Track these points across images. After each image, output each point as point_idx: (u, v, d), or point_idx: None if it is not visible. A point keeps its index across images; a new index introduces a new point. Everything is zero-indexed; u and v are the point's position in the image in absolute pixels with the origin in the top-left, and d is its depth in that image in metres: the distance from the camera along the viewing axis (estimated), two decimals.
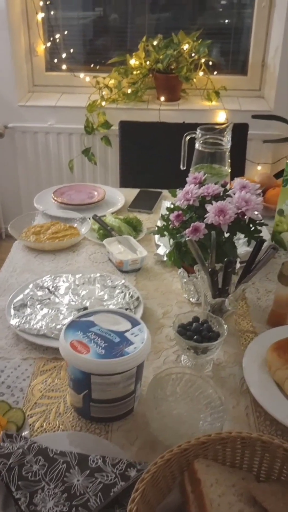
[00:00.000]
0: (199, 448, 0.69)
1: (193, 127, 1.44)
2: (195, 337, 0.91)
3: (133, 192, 1.67)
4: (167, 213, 1.08)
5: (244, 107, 2.56)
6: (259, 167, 2.59)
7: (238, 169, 2.05)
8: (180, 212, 1.04)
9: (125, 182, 2.08)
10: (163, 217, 1.08)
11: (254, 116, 2.31)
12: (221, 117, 2.55)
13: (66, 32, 2.74)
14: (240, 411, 0.86)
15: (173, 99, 2.61)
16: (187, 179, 1.12)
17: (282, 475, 0.70)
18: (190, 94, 2.68)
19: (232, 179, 1.62)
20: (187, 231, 0.99)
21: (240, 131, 2.05)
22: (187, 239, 0.96)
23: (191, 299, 1.14)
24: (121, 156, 2.09)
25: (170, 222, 1.06)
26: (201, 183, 1.10)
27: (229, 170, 1.45)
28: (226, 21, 2.68)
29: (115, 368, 0.76)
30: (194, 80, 2.58)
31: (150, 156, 2.07)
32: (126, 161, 2.09)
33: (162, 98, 2.59)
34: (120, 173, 2.10)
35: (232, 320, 1.08)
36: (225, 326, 0.92)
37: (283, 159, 2.50)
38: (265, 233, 1.35)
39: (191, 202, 1.04)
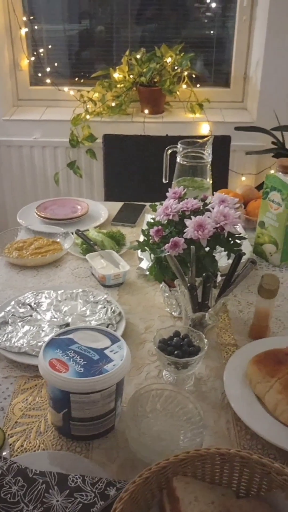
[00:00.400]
0: (178, 466, 0.69)
1: (176, 139, 1.46)
2: (175, 352, 0.91)
3: (117, 206, 1.68)
4: (148, 228, 1.08)
5: (227, 119, 2.59)
6: (243, 178, 2.62)
7: (221, 181, 2.08)
8: (160, 227, 1.04)
9: (109, 195, 2.08)
10: (143, 232, 1.09)
11: (236, 128, 2.34)
12: (204, 129, 2.57)
13: (50, 46, 2.76)
14: (221, 425, 0.86)
15: (157, 111, 2.63)
16: (167, 194, 1.13)
17: (261, 490, 0.71)
18: (174, 106, 2.70)
19: (215, 190, 1.64)
20: (166, 246, 0.99)
21: (222, 143, 2.07)
22: (166, 254, 0.96)
23: (173, 313, 1.14)
24: (105, 169, 2.10)
25: (150, 237, 1.06)
26: (181, 198, 1.11)
27: (211, 183, 1.46)
28: (212, 32, 2.71)
29: (94, 387, 0.76)
30: (178, 92, 2.61)
31: (135, 169, 2.08)
32: (110, 174, 2.10)
33: (146, 111, 2.61)
34: (104, 186, 2.11)
35: (214, 333, 1.09)
36: (206, 341, 0.93)
37: (267, 170, 2.53)
38: (247, 245, 1.37)
39: (170, 217, 1.05)
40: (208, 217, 1.02)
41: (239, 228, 1.42)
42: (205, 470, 0.71)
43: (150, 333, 1.08)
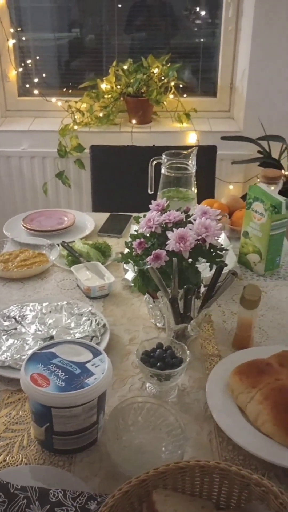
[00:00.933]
0: (158, 479, 0.70)
1: (163, 149, 1.47)
2: (158, 364, 0.92)
3: (104, 216, 1.69)
4: (131, 240, 1.09)
5: (214, 128, 2.61)
6: (231, 187, 2.64)
7: (208, 190, 2.10)
8: (142, 239, 1.05)
9: (97, 206, 2.10)
10: (126, 244, 1.10)
11: (223, 138, 2.36)
12: (192, 138, 2.59)
13: (38, 57, 2.78)
14: (204, 437, 0.87)
15: (144, 121, 2.65)
16: (150, 206, 1.14)
17: (241, 502, 0.71)
18: (161, 116, 2.72)
19: (202, 200, 1.65)
20: (148, 258, 1.00)
21: (208, 153, 2.09)
22: (148, 267, 0.97)
23: (157, 324, 1.15)
24: (93, 180, 2.11)
25: (133, 250, 1.07)
26: (164, 210, 1.12)
27: (196, 193, 1.48)
28: (202, 40, 2.75)
29: (75, 401, 0.76)
30: (165, 103, 2.63)
31: (122, 180, 2.10)
32: (98, 184, 2.11)
33: (134, 121, 2.63)
34: (92, 197, 2.12)
35: (198, 344, 1.10)
36: (188, 352, 0.93)
37: (254, 179, 2.55)
38: (231, 255, 1.38)
39: (153, 229, 1.06)
40: (190, 229, 1.03)
41: (224, 238, 1.44)
42: (185, 482, 0.72)
43: (135, 345, 1.09)
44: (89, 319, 1.12)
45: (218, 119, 2.75)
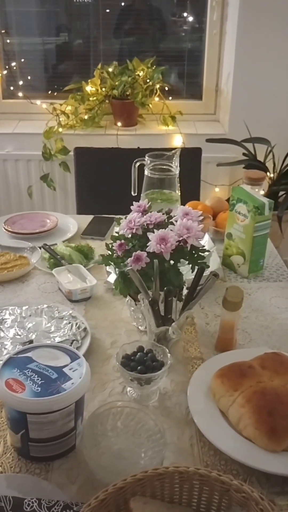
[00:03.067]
0: (136, 486, 0.68)
1: (147, 152, 1.45)
2: (138, 367, 0.90)
3: (87, 219, 1.67)
4: (112, 242, 1.07)
5: (200, 131, 2.61)
6: (217, 189, 2.63)
7: (193, 193, 2.09)
8: (123, 241, 1.03)
9: (81, 208, 2.07)
10: (107, 246, 1.08)
11: (208, 140, 2.36)
12: (177, 141, 2.59)
13: (23, 60, 2.76)
14: (185, 441, 0.85)
15: (130, 124, 2.64)
16: (132, 207, 1.13)
17: (221, 508, 0.70)
18: (147, 119, 2.72)
19: (186, 202, 1.64)
20: (129, 260, 0.99)
21: (193, 155, 2.08)
22: (127, 269, 0.96)
23: (139, 327, 1.13)
24: (77, 182, 2.09)
25: (114, 251, 1.05)
26: (145, 211, 1.11)
27: (179, 195, 1.46)
28: (190, 44, 2.75)
29: (51, 406, 0.74)
30: (150, 105, 2.62)
31: (106, 182, 2.08)
32: (82, 187, 2.09)
33: (119, 124, 2.62)
34: (76, 199, 2.10)
35: (180, 346, 1.08)
36: (169, 356, 0.92)
37: (240, 181, 2.54)
38: (215, 257, 1.37)
39: (134, 231, 1.04)
40: (171, 230, 1.01)
41: (208, 240, 1.42)
42: (164, 489, 0.70)
43: (116, 348, 1.06)
44: (69, 323, 1.10)
45: (204, 121, 2.75)
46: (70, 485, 0.77)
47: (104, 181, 2.08)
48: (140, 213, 1.09)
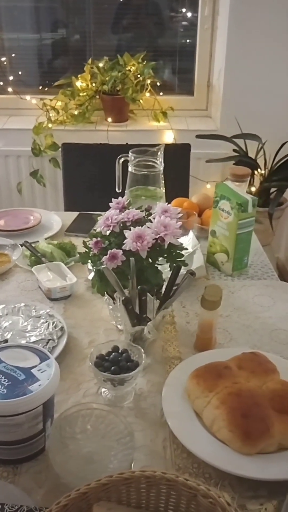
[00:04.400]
0: (101, 491, 0.66)
1: (136, 148, 1.43)
2: (112, 368, 0.88)
3: (73, 216, 1.65)
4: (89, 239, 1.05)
5: (191, 127, 2.58)
6: (208, 186, 2.61)
7: (182, 189, 2.06)
8: (99, 239, 1.01)
9: (69, 205, 2.05)
10: (84, 244, 1.06)
11: (198, 136, 2.34)
12: (168, 137, 2.56)
13: (13, 55, 2.73)
14: (158, 444, 0.83)
15: (120, 120, 2.61)
16: (111, 204, 1.11)
17: None
18: (138, 115, 2.69)
19: (172, 198, 1.62)
20: (104, 258, 0.96)
21: (183, 151, 2.06)
22: (102, 267, 0.94)
23: (119, 326, 1.11)
24: (64, 178, 2.07)
25: (91, 249, 1.03)
26: (124, 208, 1.09)
27: (164, 191, 1.44)
28: (187, 40, 2.72)
29: (16, 409, 0.72)
30: (141, 101, 2.60)
31: (95, 178, 2.05)
32: (70, 183, 2.07)
33: (110, 119, 2.59)
34: (64, 196, 2.08)
35: (159, 346, 1.06)
36: (144, 356, 0.90)
37: None
38: (199, 255, 1.35)
39: (111, 228, 1.02)
40: (149, 227, 0.99)
41: (192, 237, 1.40)
42: (130, 494, 0.68)
43: (94, 348, 1.05)
44: (46, 322, 1.08)
45: (196, 117, 2.72)
46: (37, 489, 0.75)
47: (92, 177, 2.05)
48: (118, 210, 1.07)
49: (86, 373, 0.98)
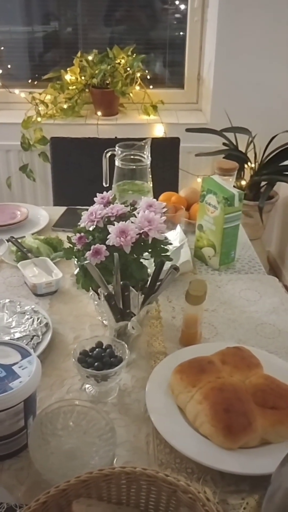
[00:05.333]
0: (80, 487, 0.66)
1: (125, 141, 1.42)
2: (96, 364, 0.88)
3: (60, 211, 1.64)
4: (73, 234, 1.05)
5: (181, 120, 2.57)
6: (199, 180, 2.60)
7: (171, 183, 2.06)
8: (83, 234, 1.01)
9: (58, 199, 2.04)
10: (68, 239, 1.05)
11: (188, 130, 2.33)
12: (159, 130, 2.55)
13: (2, 48, 2.71)
14: (141, 439, 0.83)
15: (110, 113, 2.60)
16: (95, 199, 1.10)
17: (169, 509, 0.68)
18: (128, 108, 2.67)
19: (162, 193, 1.61)
20: (87, 254, 0.96)
21: (172, 145, 2.05)
22: (85, 263, 0.93)
23: (104, 321, 1.11)
24: (53, 173, 2.06)
25: (75, 244, 1.03)
26: (109, 203, 1.08)
27: (151, 186, 1.44)
28: (174, 33, 2.70)
29: None
30: (131, 94, 2.58)
31: (84, 173, 2.04)
32: (59, 178, 2.06)
33: (99, 113, 2.58)
34: (53, 190, 2.06)
35: (144, 341, 1.06)
36: (127, 351, 0.90)
37: None
38: (186, 250, 1.34)
39: (95, 223, 1.01)
40: (133, 222, 0.99)
41: (180, 232, 1.40)
42: (111, 490, 0.68)
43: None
44: (31, 318, 1.07)
45: (186, 111, 2.71)
46: (19, 486, 0.75)
47: (81, 172, 2.04)
48: (103, 205, 1.06)
49: (71, 369, 0.98)
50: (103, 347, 0.92)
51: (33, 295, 1.20)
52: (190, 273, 1.31)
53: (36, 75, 2.73)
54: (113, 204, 1.07)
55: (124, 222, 0.98)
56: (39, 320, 1.06)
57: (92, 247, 0.96)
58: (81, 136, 2.10)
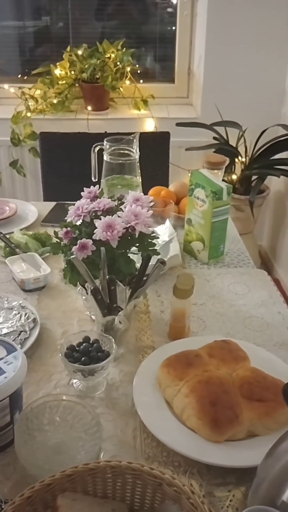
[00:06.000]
0: (66, 482, 0.66)
1: (115, 136, 1.41)
2: (82, 358, 0.88)
3: (50, 206, 1.63)
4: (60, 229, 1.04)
5: (172, 115, 2.56)
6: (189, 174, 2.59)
7: (162, 178, 2.05)
8: (69, 229, 1.00)
9: (48, 195, 2.03)
10: (55, 234, 1.04)
11: (178, 124, 2.32)
12: (149, 125, 2.54)
13: None
14: (128, 433, 0.83)
15: (101, 108, 2.59)
16: (82, 194, 1.09)
17: (155, 502, 0.68)
18: (118, 103, 2.66)
19: (152, 187, 1.61)
20: (74, 248, 0.95)
21: (162, 140, 2.05)
22: (71, 257, 0.93)
23: (92, 316, 1.11)
24: (43, 168, 2.05)
25: (61, 239, 1.02)
26: (96, 197, 1.08)
27: (140, 180, 1.43)
28: (165, 27, 2.69)
29: None
30: (121, 89, 2.57)
31: (73, 168, 2.03)
32: (49, 173, 2.05)
33: (90, 108, 2.57)
34: (43, 186, 2.05)
35: (133, 335, 1.06)
36: (114, 346, 0.89)
37: None
38: (175, 244, 1.34)
39: (81, 218, 1.01)
40: (119, 216, 0.98)
41: (169, 226, 1.40)
42: (96, 484, 0.68)
43: None
44: (18, 313, 1.07)
45: (177, 105, 2.70)
46: (5, 482, 0.75)
47: (71, 167, 2.03)
48: (90, 200, 1.05)
49: (58, 364, 0.97)
50: (90, 341, 0.92)
51: (21, 291, 1.20)
52: (179, 267, 1.30)
53: (26, 70, 2.71)
54: (100, 198, 1.07)
55: (110, 216, 0.97)
56: (26, 316, 1.06)
57: (78, 242, 0.95)
58: (71, 131, 2.09)
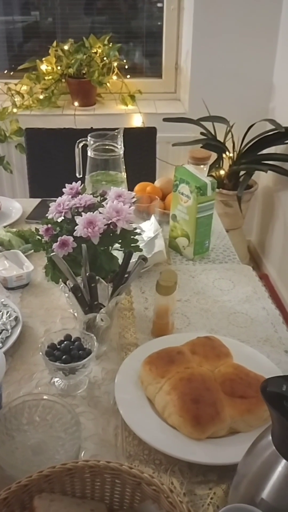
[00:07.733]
0: (43, 482, 0.65)
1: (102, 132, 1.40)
2: (63, 357, 0.87)
3: (34, 202, 1.61)
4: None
5: (160, 110, 2.55)
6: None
7: (148, 173, 2.04)
8: (50, 225, 0.99)
9: (35, 191, 2.01)
10: (36, 231, 1.03)
11: (165, 119, 2.31)
12: (137, 120, 2.53)
13: None
14: (109, 432, 0.82)
15: (87, 104, 2.56)
16: (64, 190, 1.08)
17: (134, 502, 0.67)
18: (105, 98, 2.64)
19: (138, 183, 1.60)
20: (54, 245, 0.94)
21: (149, 135, 2.03)
22: (52, 255, 0.91)
23: (75, 314, 1.09)
24: (29, 164, 2.02)
25: (42, 236, 1.01)
26: (78, 194, 1.06)
27: (125, 176, 1.42)
28: (152, 22, 2.67)
29: None
30: (108, 84, 2.55)
31: (59, 164, 2.01)
32: (34, 169, 2.02)
33: (76, 103, 2.55)
34: (29, 182, 2.03)
35: (116, 333, 1.05)
36: (96, 344, 0.88)
37: None
38: (160, 240, 1.33)
39: (62, 215, 1.00)
40: (101, 213, 0.97)
41: (154, 222, 1.39)
42: (74, 484, 0.67)
43: None
44: (0, 311, 1.05)
45: (164, 100, 2.69)
46: None
47: (57, 163, 2.01)
48: (71, 196, 1.04)
49: (40, 363, 0.96)
50: (72, 339, 0.91)
51: (4, 289, 1.18)
52: (164, 264, 1.29)
53: (13, 66, 2.68)
54: (82, 194, 1.06)
55: (92, 213, 0.96)
56: (8, 314, 1.04)
57: (58, 239, 0.94)
58: (57, 127, 2.07)
